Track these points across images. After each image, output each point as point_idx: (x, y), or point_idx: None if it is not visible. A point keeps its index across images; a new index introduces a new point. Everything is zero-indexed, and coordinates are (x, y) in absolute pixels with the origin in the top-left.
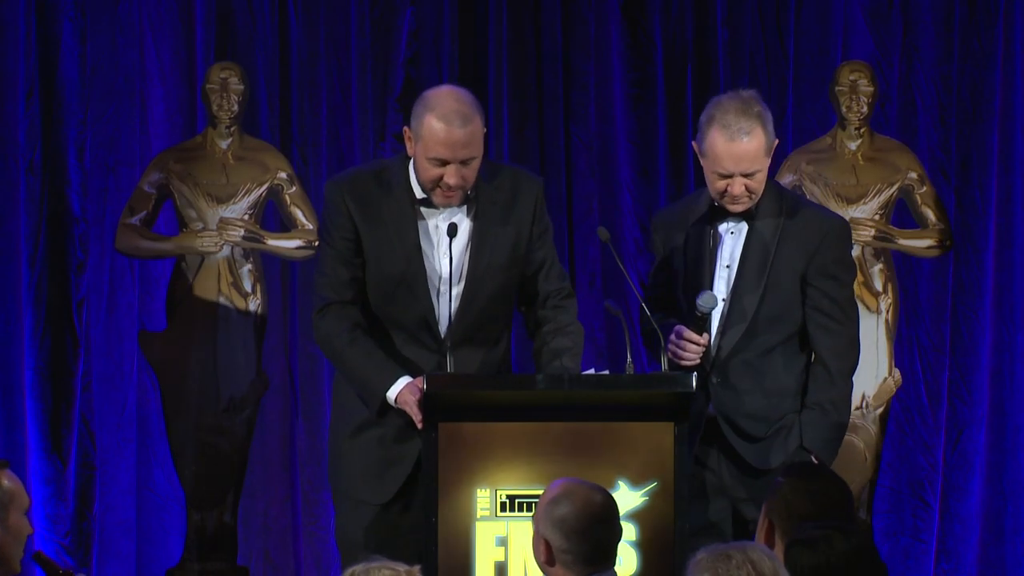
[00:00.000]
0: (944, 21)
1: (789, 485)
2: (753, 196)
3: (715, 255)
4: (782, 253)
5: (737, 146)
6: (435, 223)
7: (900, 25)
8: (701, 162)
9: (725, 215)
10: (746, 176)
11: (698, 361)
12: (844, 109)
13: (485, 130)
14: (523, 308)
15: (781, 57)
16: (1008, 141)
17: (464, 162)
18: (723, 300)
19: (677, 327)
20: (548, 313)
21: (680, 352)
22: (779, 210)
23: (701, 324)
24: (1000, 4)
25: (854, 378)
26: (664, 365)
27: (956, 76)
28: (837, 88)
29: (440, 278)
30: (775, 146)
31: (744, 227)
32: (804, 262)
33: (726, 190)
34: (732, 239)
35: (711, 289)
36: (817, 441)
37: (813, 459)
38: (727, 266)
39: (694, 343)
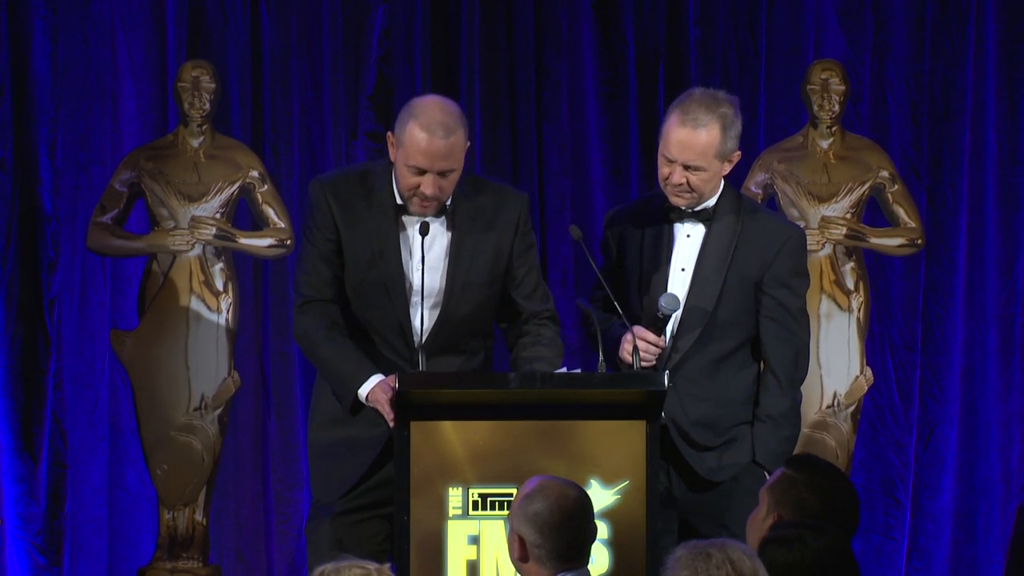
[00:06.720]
0: (915, 20)
1: (804, 482)
2: (695, 193)
3: (670, 257)
4: (738, 259)
5: (686, 133)
6: (413, 232)
7: (871, 24)
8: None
9: (682, 216)
10: (688, 169)
11: (653, 363)
12: (816, 107)
13: (468, 144)
14: (504, 325)
15: (753, 56)
16: (979, 139)
17: (442, 173)
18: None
19: (635, 327)
20: (529, 328)
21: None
22: (737, 215)
23: (660, 326)
24: (971, 3)
25: (825, 376)
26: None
27: (927, 74)
28: (809, 86)
29: (414, 287)
30: (734, 158)
31: (701, 230)
32: (759, 269)
33: (668, 177)
34: (688, 242)
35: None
36: (770, 456)
37: (766, 475)
38: (682, 269)
39: (653, 344)
